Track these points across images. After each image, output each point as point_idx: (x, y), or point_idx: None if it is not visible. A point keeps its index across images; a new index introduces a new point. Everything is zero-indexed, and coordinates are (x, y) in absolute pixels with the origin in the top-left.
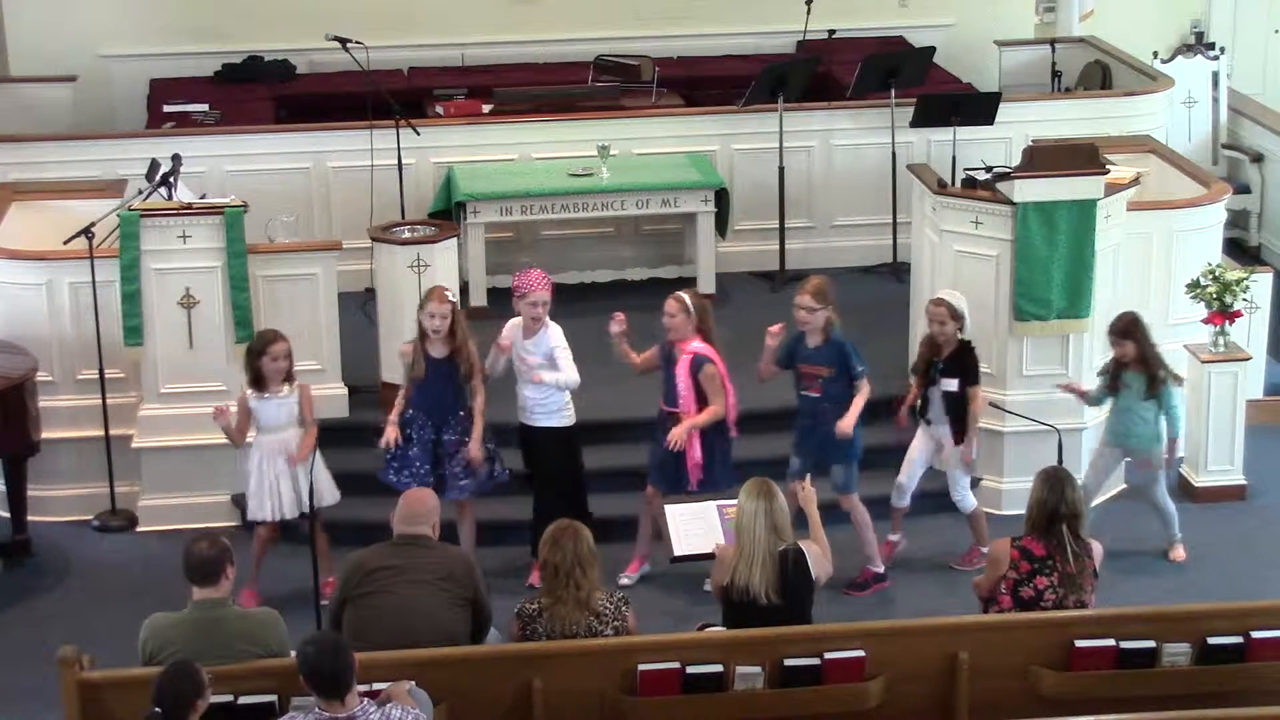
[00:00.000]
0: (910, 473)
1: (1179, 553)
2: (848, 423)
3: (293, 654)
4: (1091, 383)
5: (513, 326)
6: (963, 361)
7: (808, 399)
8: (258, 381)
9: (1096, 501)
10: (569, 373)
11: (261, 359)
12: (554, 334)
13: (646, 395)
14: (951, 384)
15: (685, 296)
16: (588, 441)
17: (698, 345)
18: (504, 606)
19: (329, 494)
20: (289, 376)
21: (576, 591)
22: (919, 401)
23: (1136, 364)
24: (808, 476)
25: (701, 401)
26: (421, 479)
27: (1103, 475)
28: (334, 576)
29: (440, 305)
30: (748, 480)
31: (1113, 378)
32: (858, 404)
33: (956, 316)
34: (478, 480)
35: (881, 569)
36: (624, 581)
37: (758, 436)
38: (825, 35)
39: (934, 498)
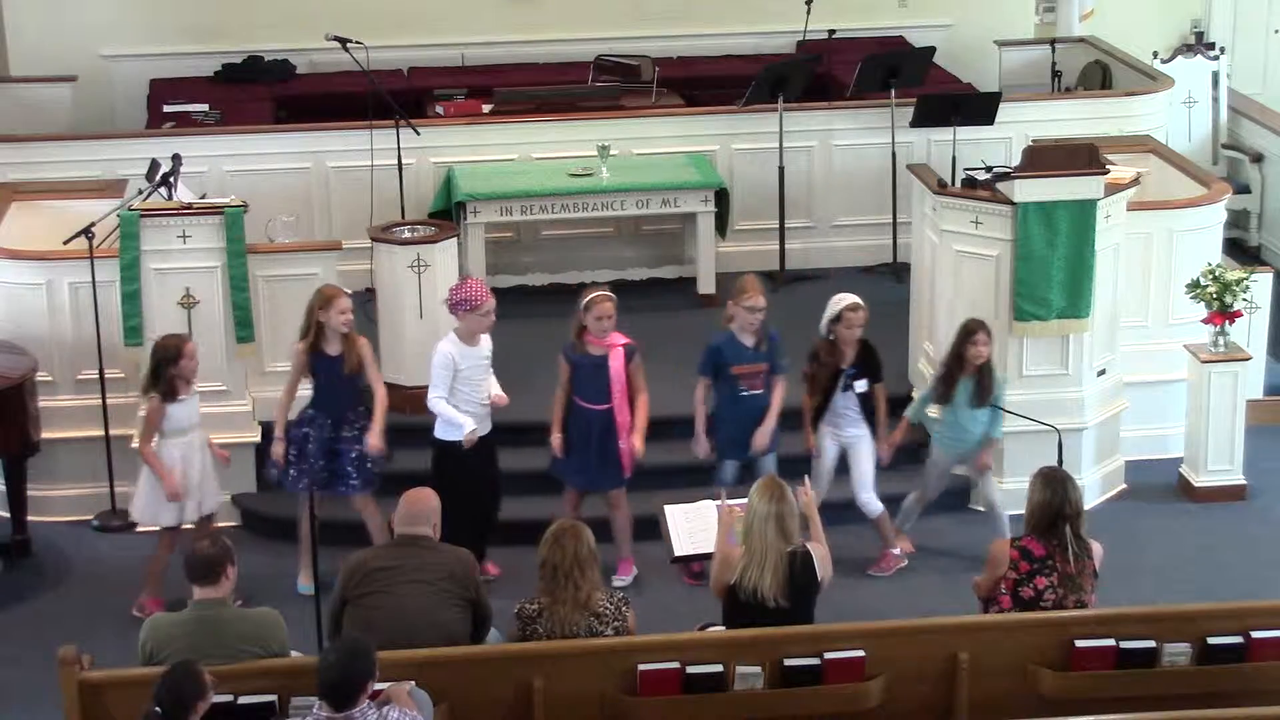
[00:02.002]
0: (826, 484)
1: None
2: (767, 432)
3: (293, 654)
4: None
5: (456, 349)
6: (873, 360)
7: (749, 398)
8: (171, 389)
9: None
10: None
11: (180, 363)
12: (489, 341)
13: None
14: (863, 384)
15: (613, 296)
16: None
17: (618, 337)
18: (504, 607)
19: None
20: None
21: (575, 592)
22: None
23: (976, 370)
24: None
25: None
26: (315, 474)
27: (941, 484)
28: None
29: (346, 300)
30: (759, 479)
31: (946, 385)
32: (777, 406)
33: (867, 316)
34: (365, 478)
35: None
36: (618, 583)
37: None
38: (825, 35)
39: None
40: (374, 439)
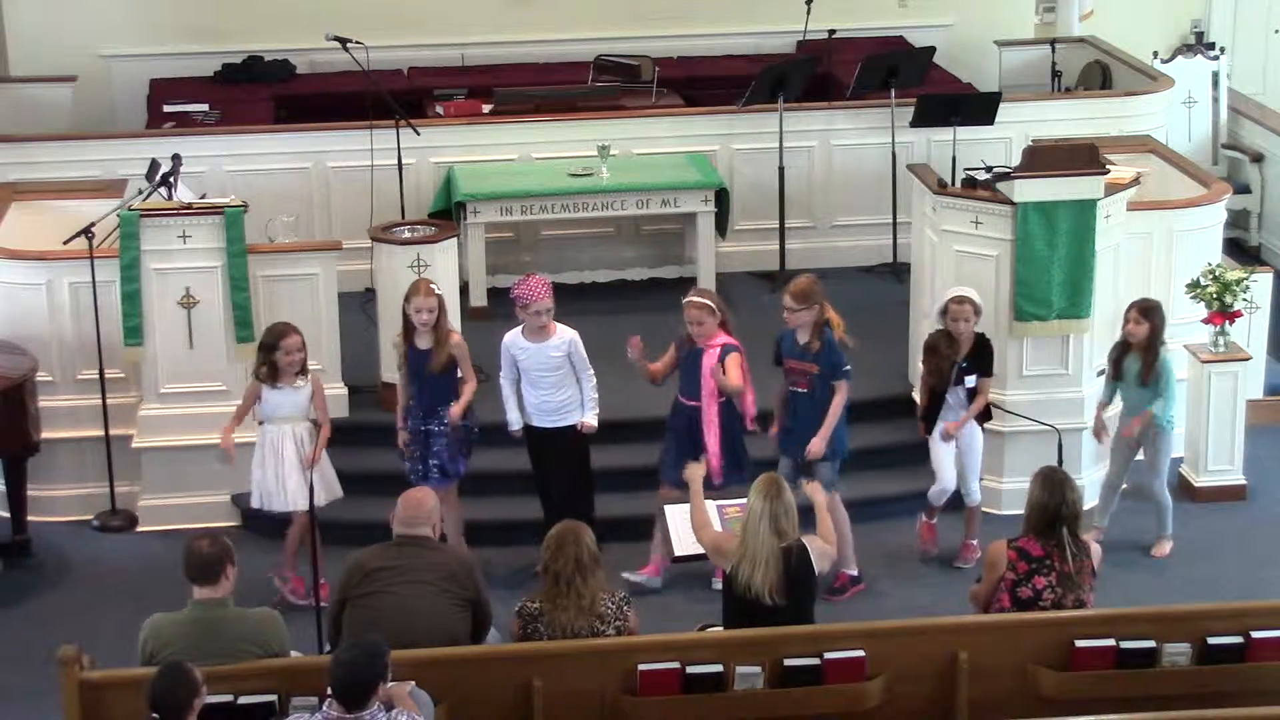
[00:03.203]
0: (949, 474)
1: (1163, 548)
2: (819, 444)
3: (293, 654)
4: (1091, 383)
5: (513, 341)
6: (985, 355)
7: (795, 394)
8: (272, 374)
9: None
10: (591, 377)
11: (275, 353)
12: (567, 337)
13: (653, 394)
14: (973, 379)
15: (708, 299)
16: (596, 441)
17: (723, 339)
18: (505, 607)
19: (334, 489)
20: (304, 369)
21: (578, 599)
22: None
23: (1140, 348)
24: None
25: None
26: (413, 464)
27: (1122, 467)
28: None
29: (426, 299)
30: (758, 477)
31: (1116, 363)
32: (832, 417)
33: (978, 312)
34: (445, 471)
35: (856, 571)
36: (635, 579)
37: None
38: (825, 35)
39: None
40: (454, 411)
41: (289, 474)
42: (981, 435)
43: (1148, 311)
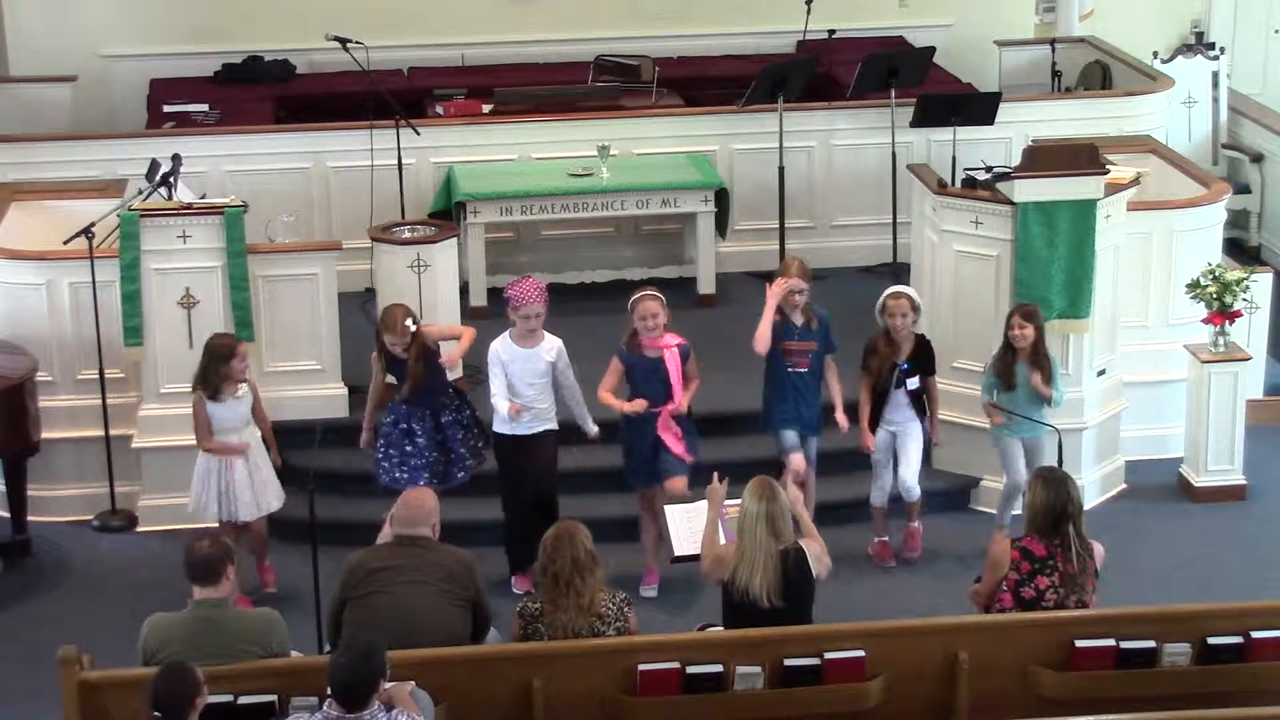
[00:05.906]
0: (887, 476)
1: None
2: (842, 413)
3: (293, 654)
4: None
5: (499, 345)
6: (926, 355)
7: (796, 375)
8: (216, 387)
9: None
10: (576, 387)
11: (231, 362)
12: (556, 344)
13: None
14: (915, 382)
15: (659, 293)
16: (587, 442)
17: (671, 338)
18: (504, 607)
19: (279, 495)
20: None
21: (578, 599)
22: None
23: (1028, 356)
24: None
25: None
26: (432, 467)
27: (1020, 468)
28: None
29: (402, 337)
30: (751, 480)
31: (1006, 368)
32: (837, 384)
33: (916, 308)
34: (478, 458)
35: None
36: (648, 595)
37: (741, 437)
38: (825, 35)
39: (935, 497)
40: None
41: (241, 487)
42: (921, 433)
43: (1031, 315)
